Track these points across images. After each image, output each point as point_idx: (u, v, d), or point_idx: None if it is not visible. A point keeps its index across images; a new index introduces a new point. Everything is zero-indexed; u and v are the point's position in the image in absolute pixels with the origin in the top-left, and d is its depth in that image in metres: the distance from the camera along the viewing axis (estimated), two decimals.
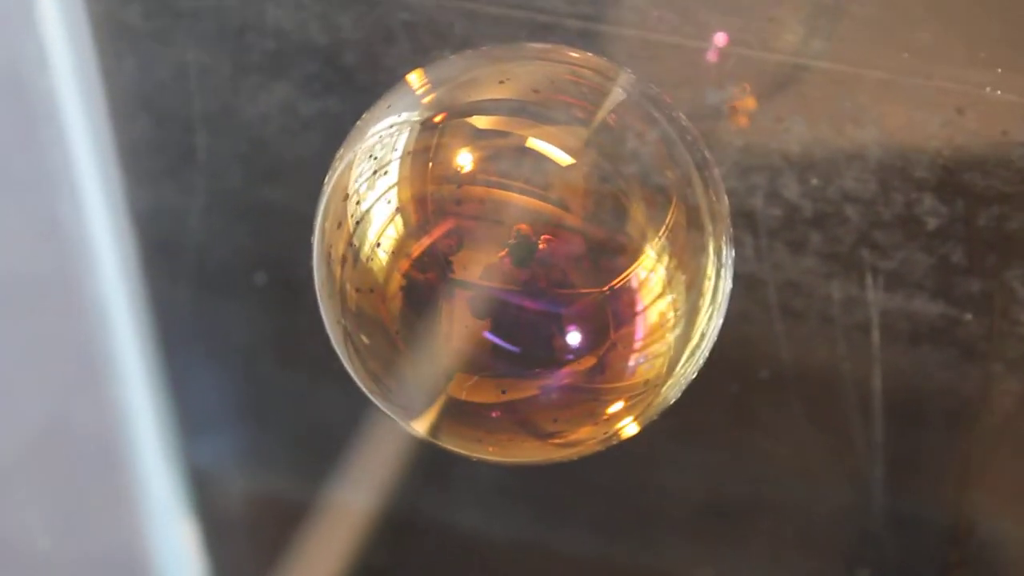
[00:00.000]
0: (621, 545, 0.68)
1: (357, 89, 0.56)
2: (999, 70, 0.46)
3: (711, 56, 0.50)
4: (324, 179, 0.58)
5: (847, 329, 0.54)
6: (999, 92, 0.47)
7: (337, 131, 0.57)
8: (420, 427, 0.42)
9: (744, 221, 0.53)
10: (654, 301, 0.39)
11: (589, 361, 0.39)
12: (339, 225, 0.41)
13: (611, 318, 0.39)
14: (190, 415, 0.73)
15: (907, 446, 0.58)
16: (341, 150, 0.42)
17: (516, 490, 0.69)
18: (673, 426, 0.61)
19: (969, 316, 0.52)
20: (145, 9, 0.58)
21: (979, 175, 0.49)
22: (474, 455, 0.43)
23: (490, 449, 0.42)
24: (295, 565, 0.75)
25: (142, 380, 0.72)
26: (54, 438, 0.73)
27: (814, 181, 0.51)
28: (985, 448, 0.56)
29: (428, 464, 0.72)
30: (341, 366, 0.69)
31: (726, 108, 0.51)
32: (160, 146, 0.62)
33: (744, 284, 0.55)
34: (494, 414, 0.40)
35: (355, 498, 0.74)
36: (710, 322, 0.41)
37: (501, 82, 0.41)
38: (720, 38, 0.49)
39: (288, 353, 0.69)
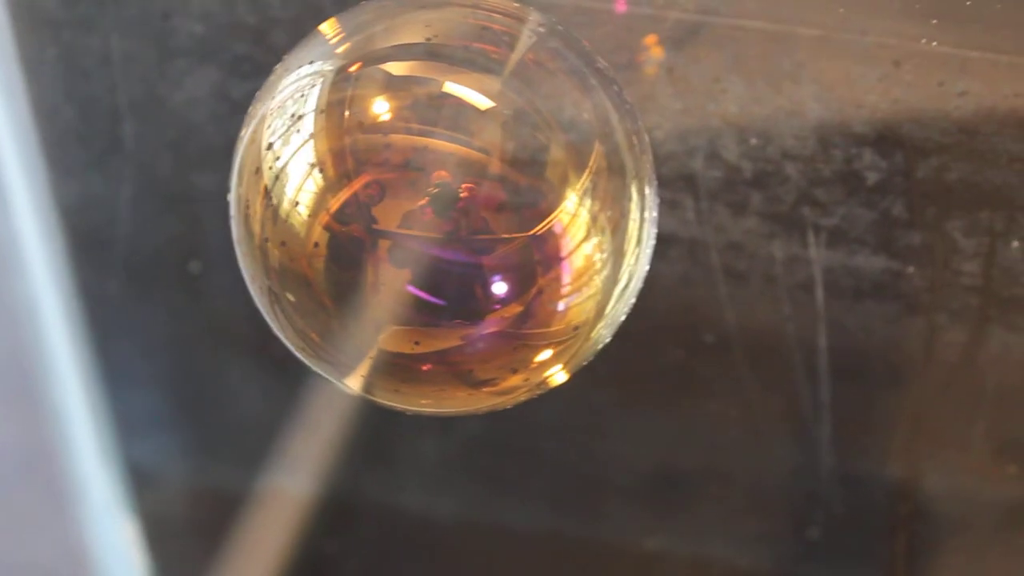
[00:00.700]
0: (570, 517, 0.68)
1: None
2: (934, 21, 0.46)
3: (619, 7, 0.49)
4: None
5: (791, 288, 0.54)
6: (935, 44, 0.47)
7: None
8: (353, 383, 0.42)
9: (684, 184, 0.53)
10: (579, 245, 0.39)
11: (515, 308, 0.39)
12: (256, 182, 0.40)
13: (535, 264, 0.39)
14: (126, 412, 0.72)
15: (853, 404, 0.58)
16: (253, 105, 0.42)
17: (461, 467, 0.68)
18: (619, 395, 0.62)
19: (911, 269, 0.52)
20: None
21: (917, 127, 0.49)
22: (409, 408, 0.42)
23: (423, 401, 0.42)
24: (240, 557, 0.75)
25: (75, 378, 0.71)
26: None
27: (753, 141, 0.51)
28: (931, 400, 0.57)
29: (370, 446, 0.71)
30: (276, 350, 0.68)
31: (636, 60, 0.51)
32: (85, 137, 0.61)
33: (686, 248, 0.55)
34: (425, 366, 0.40)
35: (298, 485, 0.74)
36: (637, 263, 0.41)
37: (421, 32, 0.40)
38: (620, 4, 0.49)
39: (224, 341, 0.69)
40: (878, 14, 0.47)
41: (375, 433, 0.69)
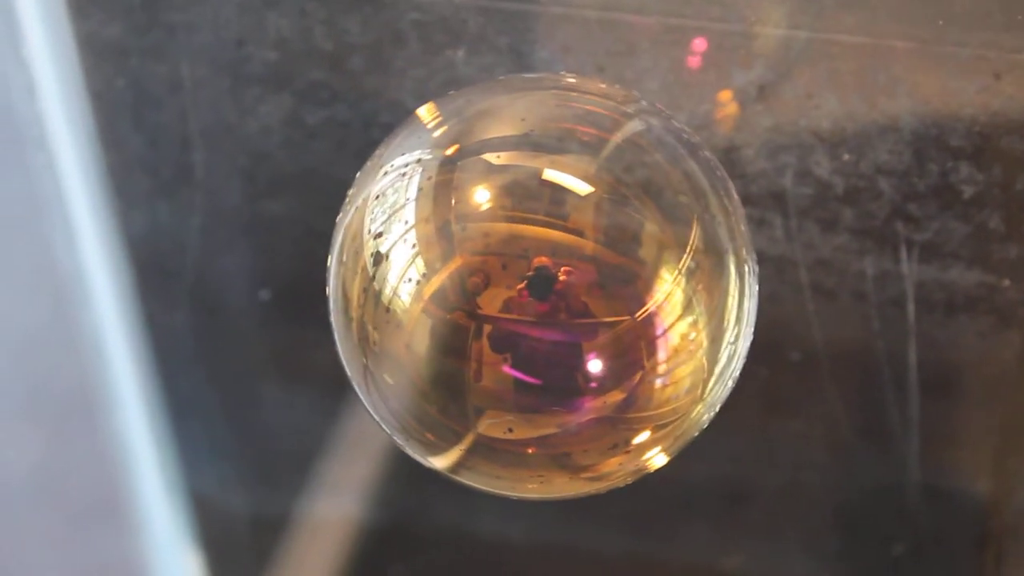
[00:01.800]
0: (646, 540, 0.67)
1: (366, 94, 0.55)
2: None
3: (692, 63, 0.49)
4: (333, 188, 0.57)
5: (881, 305, 0.54)
6: None
7: (346, 138, 0.56)
8: (442, 464, 0.42)
9: (774, 202, 0.52)
10: (677, 326, 0.39)
11: (617, 391, 0.39)
12: (356, 267, 0.41)
13: (635, 347, 0.39)
14: (191, 442, 0.71)
15: (943, 419, 0.57)
16: (352, 190, 0.42)
17: None
18: None
19: (1007, 282, 0.52)
20: (134, 25, 0.57)
21: (1017, 139, 0.48)
22: (497, 491, 0.42)
23: (513, 485, 0.42)
24: None
25: (140, 409, 0.70)
26: (53, 472, 0.71)
27: (846, 156, 0.50)
28: (1023, 415, 0.56)
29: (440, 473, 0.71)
30: (344, 379, 0.67)
31: (715, 118, 0.50)
32: (154, 166, 0.61)
33: (774, 266, 0.54)
34: (529, 450, 0.40)
35: (363, 512, 0.73)
36: (737, 341, 0.41)
37: (515, 114, 0.41)
38: (699, 44, 0.49)
39: (294, 370, 0.68)
40: (978, 26, 0.47)
41: None
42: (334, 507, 0.73)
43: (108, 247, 0.64)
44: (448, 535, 0.71)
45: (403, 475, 0.72)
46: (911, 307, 0.54)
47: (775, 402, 0.60)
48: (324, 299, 0.64)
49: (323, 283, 0.64)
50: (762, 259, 0.54)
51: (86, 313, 0.66)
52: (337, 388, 0.69)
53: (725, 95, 0.50)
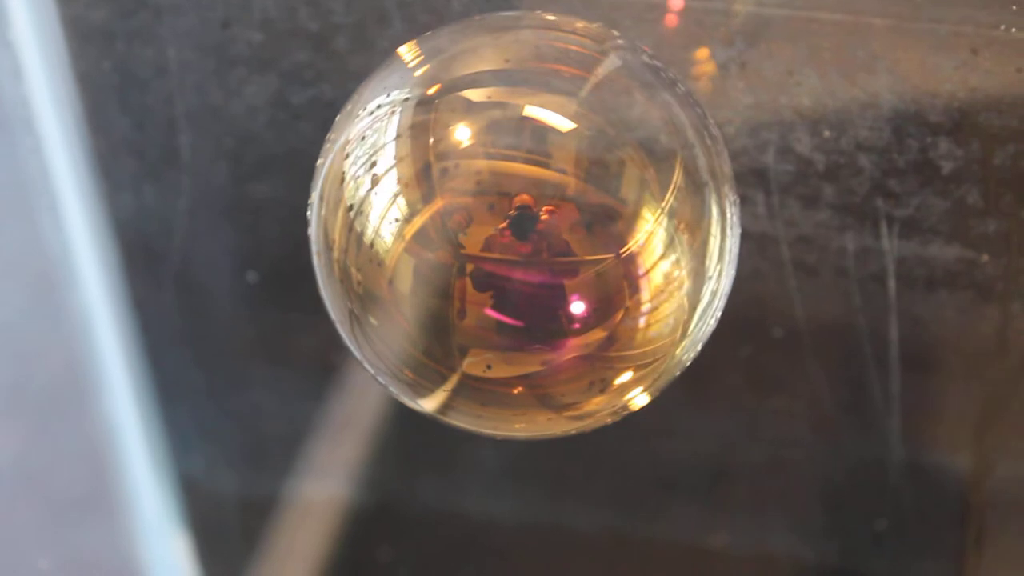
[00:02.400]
0: (633, 517, 0.68)
1: (351, 74, 0.55)
2: (1014, 7, 0.46)
3: (669, 21, 0.49)
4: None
5: (862, 280, 0.54)
6: (1013, 30, 0.47)
7: (331, 118, 0.56)
8: (431, 406, 0.42)
9: (755, 178, 0.53)
10: (660, 265, 0.39)
11: (599, 330, 0.39)
12: (338, 210, 0.40)
13: (618, 285, 0.39)
14: (178, 424, 0.72)
15: (924, 394, 0.58)
16: (332, 132, 0.42)
17: (522, 470, 0.68)
18: (684, 392, 0.61)
19: (986, 257, 0.52)
20: (120, 8, 0.57)
21: (995, 115, 0.49)
22: (482, 431, 0.42)
23: (503, 425, 0.42)
24: (291, 567, 0.74)
25: (128, 390, 0.70)
26: (40, 456, 0.71)
27: (827, 133, 0.51)
28: (1003, 388, 0.57)
29: (428, 452, 0.71)
30: (336, 359, 0.68)
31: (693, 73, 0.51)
32: (140, 149, 0.61)
33: (756, 242, 0.54)
34: (506, 390, 0.40)
35: (350, 494, 0.73)
36: (719, 280, 0.41)
37: (495, 53, 0.40)
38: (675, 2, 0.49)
39: (281, 352, 0.68)
40: (954, 3, 0.47)
41: (432, 439, 0.69)
42: (322, 488, 0.74)
43: (95, 229, 0.64)
44: (435, 515, 0.72)
45: (390, 456, 0.73)
46: (892, 283, 0.54)
47: (758, 379, 0.60)
48: (311, 280, 0.64)
49: (310, 265, 0.64)
50: (744, 236, 0.54)
51: (73, 295, 0.67)
52: (325, 369, 0.69)
53: (703, 53, 0.50)
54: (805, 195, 0.53)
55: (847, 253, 0.54)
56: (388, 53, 0.54)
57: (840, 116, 0.50)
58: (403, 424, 0.72)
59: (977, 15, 0.47)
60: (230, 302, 0.66)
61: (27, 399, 0.70)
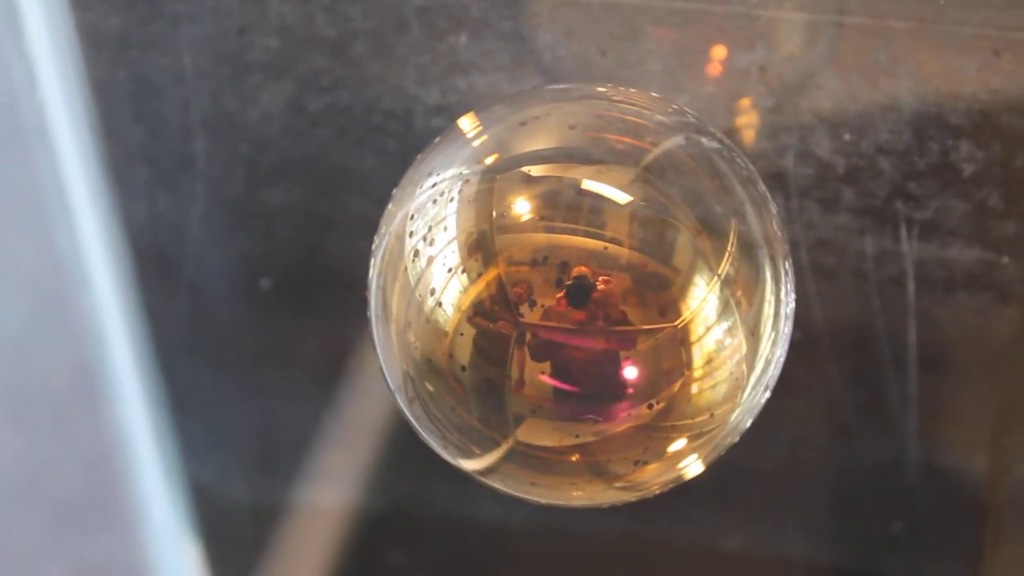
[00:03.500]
0: (646, 521, 0.68)
1: (368, 81, 0.55)
2: None
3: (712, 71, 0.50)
4: (335, 175, 0.58)
5: (881, 284, 0.54)
6: None
7: (348, 125, 0.57)
8: (474, 467, 0.42)
9: (775, 182, 0.53)
10: (714, 332, 0.40)
11: (655, 399, 0.39)
12: (397, 276, 0.41)
13: (673, 354, 0.39)
14: (190, 431, 0.72)
15: (942, 396, 0.58)
16: (392, 204, 0.43)
17: None
18: None
19: (1006, 259, 0.52)
20: (135, 16, 0.57)
21: (1017, 116, 0.49)
22: (528, 498, 0.43)
23: (551, 493, 0.42)
24: (302, 573, 0.74)
25: (140, 399, 0.70)
26: (52, 462, 0.71)
27: (847, 136, 0.51)
28: (1021, 390, 0.57)
29: (435, 457, 0.71)
30: (347, 365, 0.68)
31: (734, 125, 0.51)
32: (155, 156, 0.61)
33: None
34: (572, 458, 0.40)
35: (363, 500, 0.73)
36: (773, 348, 0.42)
37: (555, 123, 0.41)
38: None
39: (293, 358, 0.68)
40: (977, 5, 0.47)
41: None
42: (332, 495, 0.74)
43: (109, 237, 0.64)
44: (447, 521, 0.72)
45: (401, 462, 0.73)
46: (911, 285, 0.54)
47: (776, 382, 0.60)
48: (325, 287, 0.64)
49: (323, 271, 0.64)
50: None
51: (86, 302, 0.67)
52: (338, 376, 0.69)
53: (745, 102, 0.51)
54: (824, 198, 0.53)
55: (866, 256, 0.54)
56: (406, 60, 0.54)
57: (860, 119, 0.51)
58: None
59: (999, 17, 0.47)
60: (243, 309, 0.66)
61: (39, 406, 0.70)
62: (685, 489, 0.67)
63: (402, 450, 0.73)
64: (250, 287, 0.65)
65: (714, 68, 0.51)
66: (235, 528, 0.75)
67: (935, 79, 0.49)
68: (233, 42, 0.56)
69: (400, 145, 0.57)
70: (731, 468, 0.63)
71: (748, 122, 0.51)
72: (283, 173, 0.60)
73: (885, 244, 0.53)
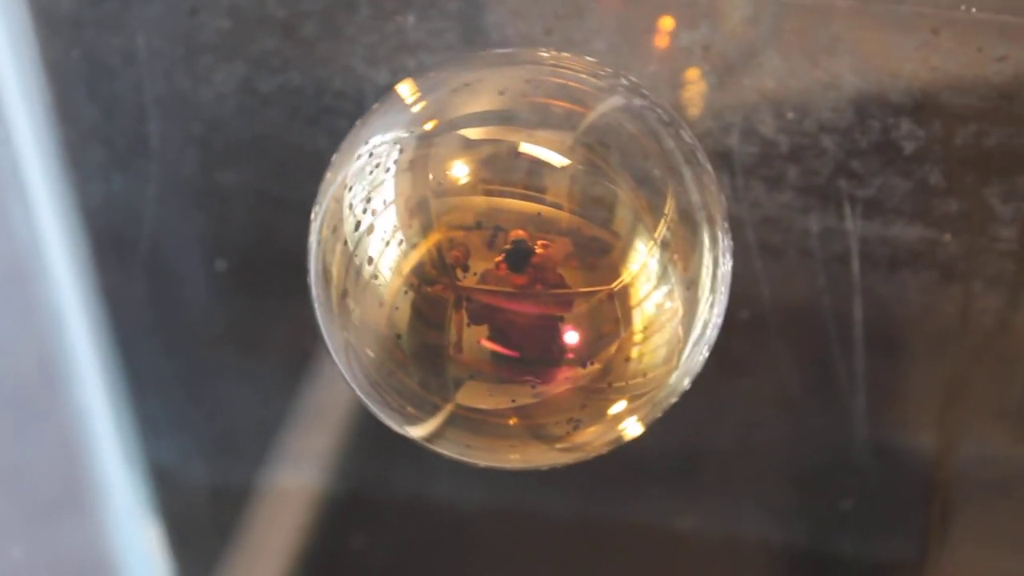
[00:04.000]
0: (601, 502, 0.68)
1: (318, 61, 0.56)
2: None
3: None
4: (287, 155, 0.58)
5: (826, 261, 0.55)
6: (973, 10, 0.47)
7: (299, 105, 0.57)
8: (418, 433, 0.42)
9: (720, 161, 0.53)
10: (653, 295, 0.40)
11: (593, 361, 0.39)
12: (336, 243, 0.41)
13: (611, 317, 0.39)
14: (150, 414, 0.72)
15: (889, 374, 0.58)
16: (330, 170, 0.43)
17: None
18: None
19: (948, 237, 0.53)
20: None
21: (956, 94, 0.49)
22: (470, 460, 0.43)
23: (491, 456, 0.42)
24: (263, 556, 0.75)
25: (99, 380, 0.70)
26: (13, 446, 0.71)
27: (790, 115, 0.51)
28: (966, 367, 0.57)
29: (397, 439, 0.71)
30: (307, 347, 0.68)
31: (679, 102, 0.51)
32: (109, 136, 0.61)
33: None
34: (508, 421, 0.40)
35: (322, 482, 0.74)
36: (711, 311, 0.42)
37: (493, 89, 0.41)
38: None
39: (252, 340, 0.69)
40: None
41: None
42: (294, 477, 0.74)
43: (64, 219, 0.65)
44: (407, 503, 0.72)
45: (363, 445, 0.73)
46: (855, 263, 0.55)
47: (724, 361, 0.61)
48: (280, 268, 0.65)
49: (278, 252, 0.64)
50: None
51: (43, 285, 0.67)
52: (296, 358, 0.69)
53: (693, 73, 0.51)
54: (769, 177, 0.53)
55: (811, 234, 0.54)
56: (356, 40, 0.54)
57: (803, 97, 0.51)
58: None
59: None
60: (200, 290, 0.66)
61: None
62: (638, 469, 0.67)
63: (361, 433, 0.73)
64: (207, 268, 0.65)
65: (661, 39, 0.51)
66: (196, 510, 0.75)
67: (875, 58, 0.49)
68: (185, 22, 0.56)
69: (351, 125, 0.57)
70: (682, 448, 0.64)
71: (694, 93, 0.52)
72: (236, 153, 0.60)
73: (829, 222, 0.54)
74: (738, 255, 0.53)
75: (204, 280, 0.66)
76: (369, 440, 0.73)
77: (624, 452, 0.67)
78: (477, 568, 0.73)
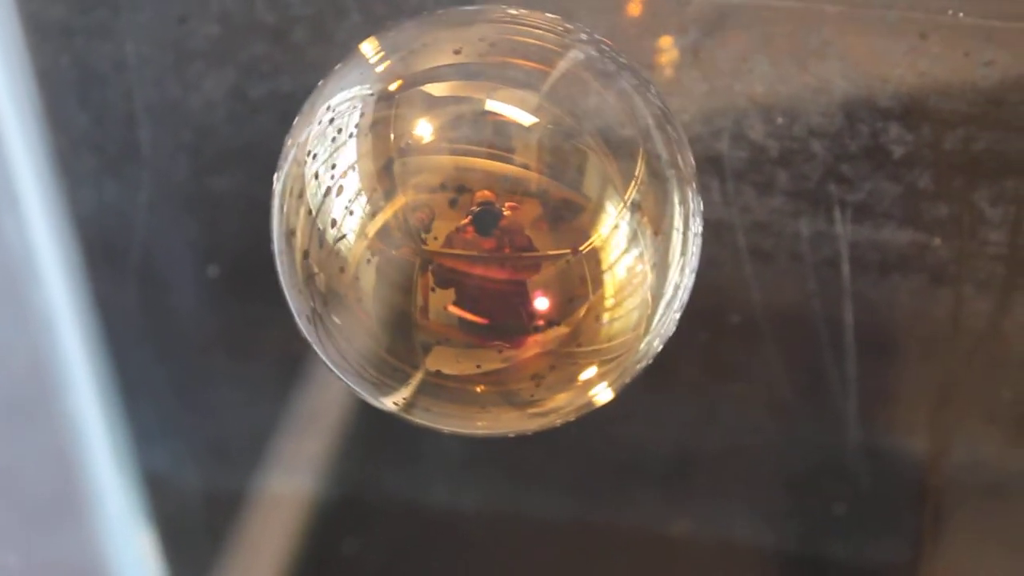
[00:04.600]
0: (596, 505, 0.68)
1: (308, 66, 0.56)
2: None
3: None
4: (278, 161, 0.58)
5: (817, 265, 0.55)
6: (961, 15, 0.48)
7: (289, 111, 0.57)
8: (391, 403, 0.42)
9: (710, 166, 0.53)
10: (622, 259, 0.39)
11: (563, 325, 0.39)
12: (300, 207, 0.40)
13: (581, 280, 0.38)
14: (142, 420, 0.72)
15: (880, 378, 0.59)
16: (293, 131, 0.42)
17: (484, 459, 0.68)
18: (642, 380, 0.62)
19: (938, 241, 0.53)
20: (78, 4, 0.57)
21: (944, 99, 0.49)
22: (445, 428, 0.42)
23: (461, 422, 0.42)
24: (257, 561, 0.75)
25: (91, 386, 0.70)
26: (5, 453, 0.71)
27: (779, 120, 0.52)
28: (958, 371, 0.58)
29: (391, 443, 0.71)
30: (299, 352, 0.68)
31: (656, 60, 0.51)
32: (100, 144, 0.61)
33: (712, 230, 0.55)
34: (477, 388, 0.40)
35: (315, 487, 0.74)
36: (682, 275, 0.41)
37: (456, 48, 0.40)
38: None
39: (244, 346, 0.69)
40: None
41: (396, 431, 0.69)
42: (287, 483, 0.74)
43: (56, 226, 0.65)
44: (400, 507, 0.72)
45: (355, 450, 0.73)
46: (846, 267, 0.55)
47: (716, 366, 0.61)
48: (272, 273, 0.64)
49: (270, 257, 0.64)
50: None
51: (35, 292, 0.67)
52: (288, 363, 0.69)
53: (666, 41, 0.51)
54: (759, 182, 0.53)
55: (801, 238, 0.54)
56: (346, 46, 0.54)
57: (793, 102, 0.51)
58: (367, 417, 0.72)
59: (926, 1, 0.48)
60: (192, 297, 0.66)
61: None
62: (631, 473, 0.67)
63: (354, 438, 0.73)
64: (198, 275, 0.65)
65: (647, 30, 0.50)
66: (188, 517, 0.75)
67: (864, 62, 0.50)
68: (175, 30, 0.56)
69: None
70: (675, 452, 0.64)
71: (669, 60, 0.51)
72: (227, 160, 0.60)
73: (820, 226, 0.54)
74: (729, 260, 0.53)
75: (196, 286, 0.65)
76: (362, 445, 0.73)
77: (617, 455, 0.67)
78: (470, 572, 0.73)
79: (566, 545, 0.70)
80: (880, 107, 0.50)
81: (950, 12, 0.48)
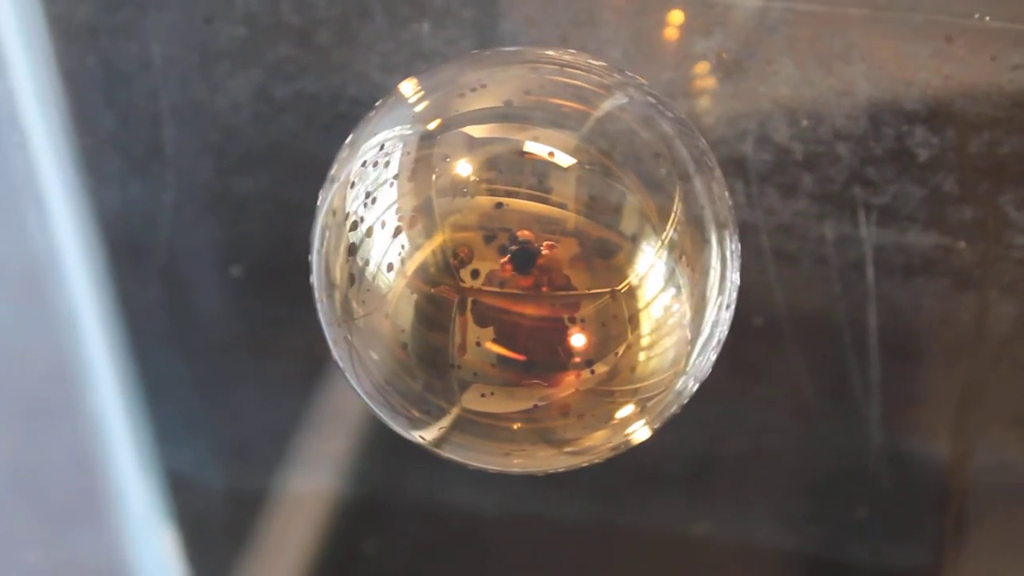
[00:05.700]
0: (618, 507, 0.68)
1: (333, 67, 0.56)
2: None
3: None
4: (302, 161, 0.58)
5: (841, 268, 0.55)
6: (987, 19, 0.47)
7: (315, 112, 0.57)
8: (428, 438, 0.42)
9: (734, 168, 0.53)
10: (660, 298, 0.39)
11: (600, 363, 0.39)
12: (339, 243, 0.40)
13: (618, 320, 0.39)
14: (166, 420, 0.72)
15: (903, 381, 0.58)
16: (334, 167, 0.42)
17: None
18: None
19: (962, 244, 0.53)
20: (104, 4, 0.57)
21: (969, 102, 0.49)
22: (478, 465, 0.42)
23: (498, 460, 0.42)
24: (278, 561, 0.75)
25: (115, 386, 0.71)
26: (28, 454, 0.71)
27: (804, 122, 0.51)
28: (982, 375, 0.57)
29: (415, 445, 0.71)
30: (321, 353, 0.68)
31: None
32: (125, 144, 0.61)
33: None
34: (513, 425, 0.40)
35: (336, 487, 0.74)
36: (719, 314, 0.41)
37: (497, 89, 0.40)
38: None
39: (267, 346, 0.69)
40: None
41: None
42: (309, 482, 0.74)
43: (80, 225, 0.65)
44: (422, 508, 0.72)
45: (377, 450, 0.73)
46: (870, 270, 0.55)
47: (739, 368, 0.61)
48: (295, 274, 0.65)
49: (294, 258, 0.64)
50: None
51: (59, 291, 0.67)
52: (311, 364, 0.70)
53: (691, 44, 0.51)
54: (784, 184, 0.53)
55: (826, 241, 0.54)
56: (371, 47, 0.54)
57: (817, 105, 0.51)
58: None
59: (951, 4, 0.48)
60: (215, 297, 0.67)
61: (14, 397, 0.70)
62: (653, 475, 0.67)
63: (375, 438, 0.73)
64: (222, 275, 0.65)
65: (671, 32, 0.50)
66: (211, 516, 0.76)
67: (889, 65, 0.49)
68: (200, 30, 0.57)
69: None
70: (697, 454, 0.64)
71: (708, 99, 0.52)
72: (252, 160, 0.60)
73: (844, 229, 0.54)
74: (753, 262, 0.53)
75: (219, 286, 0.66)
76: (383, 445, 0.73)
77: (639, 458, 0.67)
78: (491, 573, 0.73)
79: (587, 547, 0.70)
80: (905, 110, 0.50)
81: (976, 16, 0.47)
